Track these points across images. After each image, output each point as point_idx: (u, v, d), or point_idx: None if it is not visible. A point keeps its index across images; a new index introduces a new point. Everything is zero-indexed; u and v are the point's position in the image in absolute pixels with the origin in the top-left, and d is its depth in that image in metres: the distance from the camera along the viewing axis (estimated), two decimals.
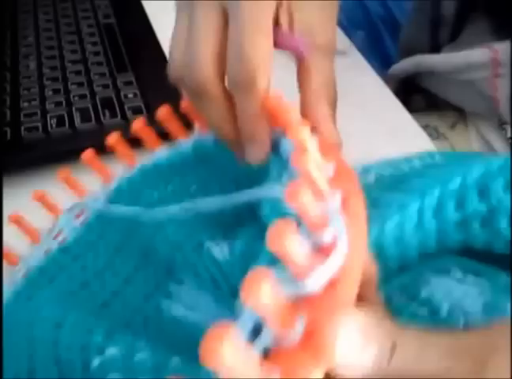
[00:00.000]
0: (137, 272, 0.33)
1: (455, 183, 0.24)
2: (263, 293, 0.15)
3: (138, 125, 0.35)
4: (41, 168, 0.45)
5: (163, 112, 0.35)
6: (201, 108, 0.29)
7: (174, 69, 0.30)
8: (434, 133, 0.56)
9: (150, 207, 0.32)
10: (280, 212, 0.23)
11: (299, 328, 0.16)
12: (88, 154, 0.36)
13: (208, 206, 0.28)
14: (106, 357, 0.25)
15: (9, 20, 0.61)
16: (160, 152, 0.35)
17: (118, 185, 0.35)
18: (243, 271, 0.27)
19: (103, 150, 0.43)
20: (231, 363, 0.14)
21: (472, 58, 0.49)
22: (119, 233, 0.34)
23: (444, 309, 0.23)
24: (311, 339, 0.16)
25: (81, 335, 0.26)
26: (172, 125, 0.35)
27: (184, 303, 0.31)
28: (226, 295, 0.29)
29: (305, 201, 0.17)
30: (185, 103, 0.34)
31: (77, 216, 0.35)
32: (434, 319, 0.23)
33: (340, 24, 0.59)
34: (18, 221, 0.35)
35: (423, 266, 0.25)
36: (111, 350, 0.25)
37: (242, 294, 0.15)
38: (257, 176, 0.32)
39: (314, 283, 0.17)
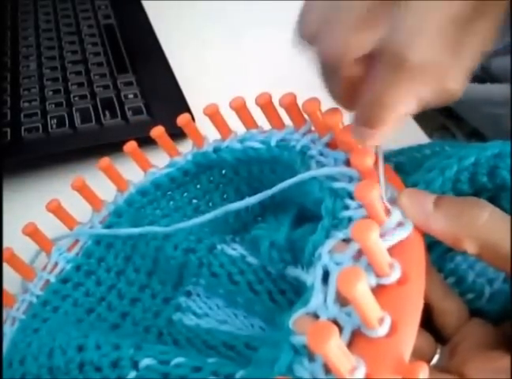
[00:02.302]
0: (143, 292, 0.33)
1: (470, 160, 0.26)
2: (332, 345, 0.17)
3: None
4: (41, 168, 0.45)
5: (157, 132, 0.35)
6: (327, 78, 0.24)
7: (308, 23, 0.24)
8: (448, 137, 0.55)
9: (155, 224, 0.33)
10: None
11: None
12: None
13: (238, 205, 0.29)
14: (141, 368, 0.25)
15: (9, 21, 0.61)
16: (155, 172, 0.35)
17: (116, 208, 0.35)
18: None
19: (102, 150, 0.44)
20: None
21: (492, 92, 0.48)
22: (122, 254, 0.34)
23: (470, 277, 0.26)
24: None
25: (110, 352, 0.26)
26: (165, 144, 0.36)
27: (195, 313, 0.32)
28: (242, 289, 0.29)
29: (373, 238, 0.19)
30: (181, 118, 0.34)
31: (70, 248, 0.35)
32: (461, 287, 0.26)
33: None
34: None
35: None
36: (146, 361, 0.25)
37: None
38: (259, 183, 0.32)
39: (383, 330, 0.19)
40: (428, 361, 0.24)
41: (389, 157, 0.30)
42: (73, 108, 0.48)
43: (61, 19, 0.61)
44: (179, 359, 0.25)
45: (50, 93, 0.50)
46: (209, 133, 0.34)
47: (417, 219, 0.22)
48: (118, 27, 0.59)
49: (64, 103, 0.49)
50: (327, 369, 0.19)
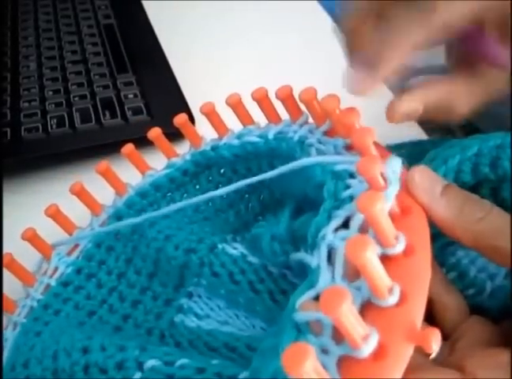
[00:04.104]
0: (144, 294, 0.33)
1: (472, 150, 0.26)
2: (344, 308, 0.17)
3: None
4: (41, 168, 0.45)
5: (154, 133, 0.35)
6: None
7: None
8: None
9: (156, 225, 0.33)
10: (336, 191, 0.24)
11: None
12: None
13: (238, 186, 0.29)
14: (146, 369, 0.25)
15: (9, 21, 0.61)
16: (153, 174, 0.35)
17: (116, 211, 0.35)
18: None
19: (102, 150, 0.44)
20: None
21: None
22: (122, 256, 0.34)
23: (471, 272, 0.26)
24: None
25: (115, 354, 0.26)
26: (163, 146, 0.36)
27: (197, 314, 0.32)
28: (244, 288, 0.29)
29: (378, 209, 0.19)
30: (177, 118, 0.34)
31: (70, 252, 0.35)
32: (462, 282, 0.25)
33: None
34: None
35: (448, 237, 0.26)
36: (151, 362, 0.25)
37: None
38: (260, 182, 0.32)
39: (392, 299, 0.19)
40: (428, 354, 0.24)
41: (403, 146, 0.30)
42: (73, 108, 0.48)
43: (61, 19, 0.61)
44: (184, 360, 0.25)
45: (50, 93, 0.50)
46: (209, 133, 0.34)
47: (423, 199, 0.23)
48: (118, 27, 0.59)
49: (64, 103, 0.49)
50: (337, 340, 0.18)
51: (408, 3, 0.25)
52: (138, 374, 0.25)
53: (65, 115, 0.47)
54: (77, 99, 0.49)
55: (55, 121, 0.47)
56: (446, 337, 0.24)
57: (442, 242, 0.26)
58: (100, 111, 0.48)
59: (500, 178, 0.26)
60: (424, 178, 0.23)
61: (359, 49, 0.28)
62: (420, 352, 0.22)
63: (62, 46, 0.56)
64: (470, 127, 0.56)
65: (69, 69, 0.53)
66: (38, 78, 0.52)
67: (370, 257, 0.18)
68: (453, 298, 0.25)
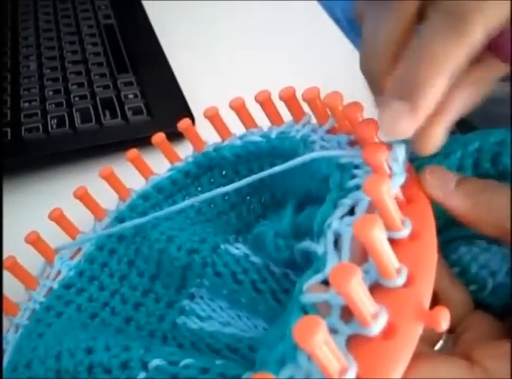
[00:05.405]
0: (147, 296, 0.33)
1: (473, 146, 0.26)
2: (354, 283, 0.17)
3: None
4: (41, 168, 0.45)
5: (158, 138, 0.36)
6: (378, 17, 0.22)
7: None
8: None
9: (158, 227, 0.33)
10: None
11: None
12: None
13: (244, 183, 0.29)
14: (150, 369, 0.25)
15: (9, 21, 0.61)
16: (156, 177, 0.36)
17: (119, 214, 0.35)
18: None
19: (102, 150, 0.44)
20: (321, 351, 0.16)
21: (493, 90, 0.47)
22: (125, 259, 0.34)
23: (473, 269, 0.25)
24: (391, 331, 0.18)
25: (120, 353, 0.26)
26: (166, 151, 0.36)
27: (199, 316, 0.31)
28: (246, 288, 0.29)
29: (384, 190, 0.19)
30: (181, 123, 0.35)
31: (73, 256, 0.35)
32: (464, 278, 0.25)
33: (340, 24, 0.59)
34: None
35: (450, 233, 0.26)
36: (156, 362, 0.25)
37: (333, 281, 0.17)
38: (259, 181, 0.32)
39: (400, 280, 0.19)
40: (433, 345, 0.24)
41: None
42: (73, 108, 0.48)
43: (61, 19, 0.61)
44: (188, 360, 0.25)
45: (51, 93, 0.50)
46: (210, 132, 0.34)
47: (437, 195, 0.23)
48: (118, 27, 0.59)
49: (64, 103, 0.49)
50: (346, 319, 0.18)
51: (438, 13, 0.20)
52: (143, 374, 0.25)
53: (66, 115, 0.47)
54: (77, 99, 0.49)
55: (55, 121, 0.47)
56: (450, 331, 0.24)
57: (444, 239, 0.26)
58: (100, 111, 0.48)
59: (501, 174, 0.26)
60: (435, 175, 0.24)
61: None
62: (426, 341, 0.22)
63: (63, 47, 0.56)
64: (470, 128, 0.56)
65: (69, 69, 0.53)
66: (38, 78, 0.52)
67: (378, 234, 0.18)
68: (458, 292, 0.25)
